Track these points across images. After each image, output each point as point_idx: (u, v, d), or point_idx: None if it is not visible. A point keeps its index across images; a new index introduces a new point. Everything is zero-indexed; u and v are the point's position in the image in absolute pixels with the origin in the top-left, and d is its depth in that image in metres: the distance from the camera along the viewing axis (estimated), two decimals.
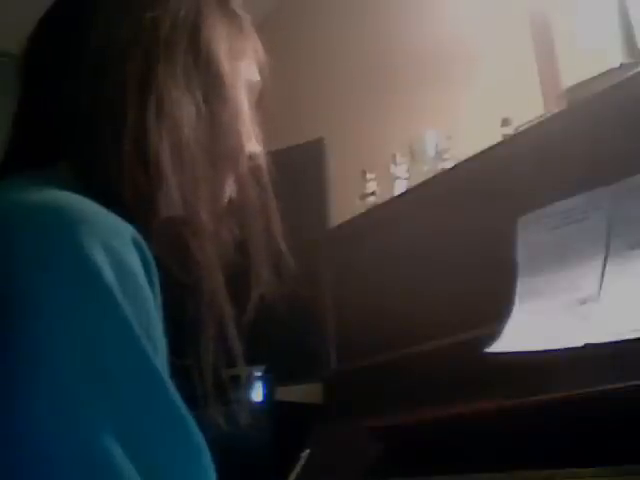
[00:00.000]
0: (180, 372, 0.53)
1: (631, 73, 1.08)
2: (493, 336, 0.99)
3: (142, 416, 0.41)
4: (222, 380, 0.61)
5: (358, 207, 1.65)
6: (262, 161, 0.70)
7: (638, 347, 0.79)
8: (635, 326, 0.82)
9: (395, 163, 1.63)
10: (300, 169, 2.24)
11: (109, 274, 0.43)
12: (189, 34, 0.62)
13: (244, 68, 0.68)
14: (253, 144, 0.68)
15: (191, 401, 0.49)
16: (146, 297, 0.46)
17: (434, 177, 1.39)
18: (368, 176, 1.69)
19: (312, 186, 2.27)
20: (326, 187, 2.30)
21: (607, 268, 0.92)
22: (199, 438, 0.44)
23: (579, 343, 0.86)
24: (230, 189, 0.67)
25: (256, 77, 0.70)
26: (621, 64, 1.18)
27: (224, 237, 0.63)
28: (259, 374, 1.67)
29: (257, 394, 1.69)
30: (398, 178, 1.61)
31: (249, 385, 1.65)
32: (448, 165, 1.44)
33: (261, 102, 0.71)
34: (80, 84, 0.58)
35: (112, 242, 0.44)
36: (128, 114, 0.56)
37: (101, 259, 0.43)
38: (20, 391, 0.39)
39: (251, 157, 0.68)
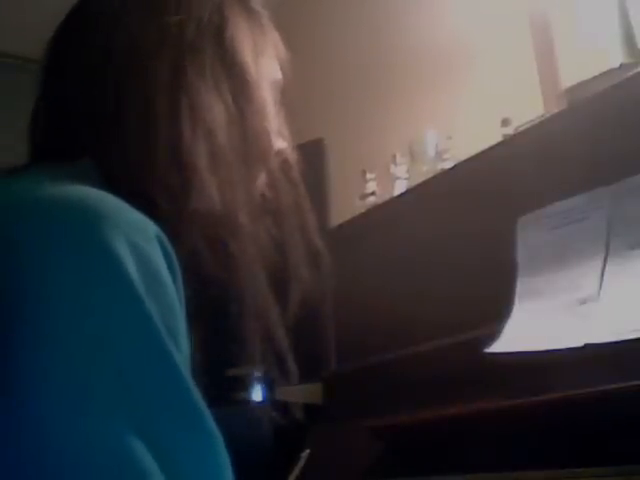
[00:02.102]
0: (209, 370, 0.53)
1: (631, 73, 1.08)
2: (493, 336, 0.99)
3: (160, 411, 0.41)
4: (230, 380, 0.61)
5: (358, 207, 1.65)
6: (291, 157, 0.70)
7: (638, 347, 0.79)
8: (635, 326, 0.82)
9: (395, 163, 1.63)
10: (300, 169, 2.24)
11: (132, 269, 0.43)
12: (214, 35, 0.62)
13: (267, 65, 0.68)
14: (280, 141, 0.69)
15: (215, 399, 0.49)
16: (169, 294, 0.45)
17: (434, 177, 1.39)
18: (368, 176, 1.69)
19: (312, 186, 2.27)
20: (326, 187, 2.30)
21: (607, 268, 0.92)
22: (217, 434, 0.44)
23: (579, 343, 0.86)
24: (261, 187, 0.67)
25: (278, 73, 0.70)
26: (621, 64, 1.18)
27: (262, 237, 0.63)
28: (259, 374, 1.67)
29: (257, 394, 1.69)
30: (398, 178, 1.61)
31: (249, 385, 1.65)
32: (448, 165, 1.44)
33: (283, 98, 0.71)
34: (107, 83, 0.58)
35: (136, 238, 0.44)
36: (161, 115, 0.56)
37: (124, 254, 0.43)
38: (37, 386, 0.38)
39: (279, 154, 0.68)
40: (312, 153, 2.31)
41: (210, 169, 0.57)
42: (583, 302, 0.92)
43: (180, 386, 0.43)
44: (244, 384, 1.61)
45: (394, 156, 1.64)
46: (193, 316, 0.52)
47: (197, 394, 0.43)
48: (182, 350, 0.45)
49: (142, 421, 0.40)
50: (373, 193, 1.67)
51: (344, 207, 1.88)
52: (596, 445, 0.80)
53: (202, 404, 0.43)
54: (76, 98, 0.59)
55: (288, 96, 0.71)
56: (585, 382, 0.83)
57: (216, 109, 0.60)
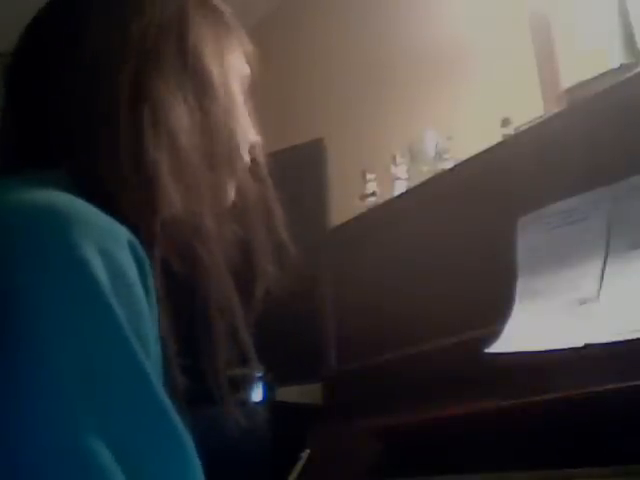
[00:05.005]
0: (191, 373, 0.53)
1: (631, 73, 1.08)
2: (493, 336, 0.99)
3: (129, 417, 0.41)
4: (224, 380, 0.62)
5: (358, 207, 1.65)
6: (259, 154, 0.70)
7: (638, 347, 0.79)
8: (635, 326, 0.82)
9: (395, 163, 1.63)
10: (300, 169, 2.24)
11: (102, 275, 0.43)
12: (176, 38, 0.62)
13: (233, 63, 0.68)
14: (251, 135, 0.69)
15: (198, 401, 0.49)
16: (139, 299, 0.45)
17: (434, 177, 1.39)
18: (368, 176, 1.69)
19: (312, 186, 2.27)
20: (326, 187, 2.30)
21: (607, 268, 0.92)
22: (185, 439, 0.44)
23: (579, 343, 0.86)
24: (232, 189, 0.67)
25: (246, 69, 0.70)
26: (621, 64, 1.18)
27: (228, 238, 0.63)
28: (259, 374, 1.67)
29: (257, 394, 1.69)
30: (398, 178, 1.61)
31: (249, 385, 1.65)
32: (448, 165, 1.44)
33: (254, 92, 0.71)
34: (72, 95, 0.58)
35: (106, 244, 0.44)
36: (123, 123, 0.56)
37: (94, 260, 0.43)
38: (5, 391, 0.39)
39: (250, 149, 0.68)
40: (312, 153, 2.31)
41: (173, 174, 0.57)
42: (583, 302, 0.92)
43: (147, 391, 0.43)
44: (244, 384, 1.61)
45: (394, 156, 1.64)
46: (170, 317, 0.52)
47: (166, 399, 0.43)
48: (151, 355, 0.46)
49: (107, 424, 0.40)
50: (373, 193, 1.67)
51: (344, 207, 1.88)
52: (596, 445, 0.80)
53: (170, 409, 0.43)
54: (44, 108, 0.59)
55: (257, 90, 0.71)
56: (585, 382, 0.83)
57: (178, 111, 0.60)
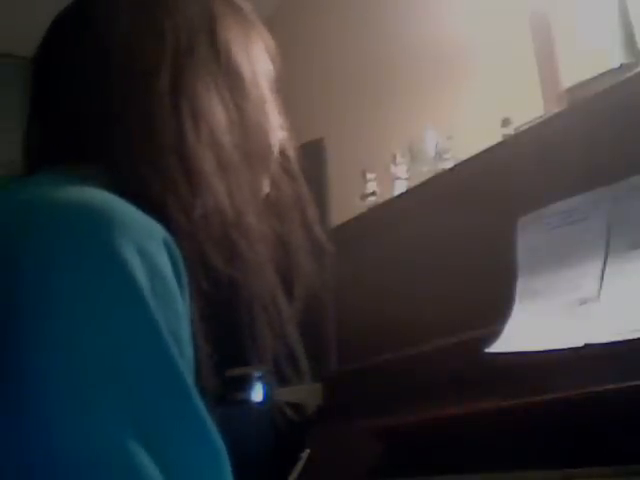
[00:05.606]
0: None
1: (631, 73, 1.08)
2: (493, 336, 0.99)
3: (163, 418, 0.41)
4: (225, 380, 0.62)
5: (358, 207, 1.65)
6: (290, 150, 0.71)
7: (638, 347, 0.79)
8: (635, 326, 0.82)
9: (395, 163, 1.63)
10: (300, 169, 2.23)
11: (141, 276, 0.43)
12: (206, 36, 0.63)
13: (259, 58, 0.68)
14: (280, 132, 0.69)
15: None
16: (175, 300, 0.46)
17: (434, 177, 1.39)
18: (368, 176, 1.69)
19: (312, 186, 2.27)
20: (326, 187, 2.30)
21: (607, 268, 0.92)
22: (219, 441, 0.44)
23: (579, 343, 0.86)
24: (266, 185, 0.68)
25: (270, 65, 0.71)
26: (621, 64, 1.18)
27: (269, 235, 0.63)
28: (259, 374, 1.67)
29: (257, 394, 1.69)
30: (398, 178, 1.61)
31: (249, 385, 1.65)
32: (448, 165, 1.44)
33: (278, 88, 0.71)
34: (109, 96, 0.58)
35: (145, 244, 0.44)
36: (165, 125, 0.57)
37: (133, 260, 0.43)
38: (40, 389, 0.39)
39: (278, 148, 0.69)
40: (312, 153, 2.31)
41: (217, 172, 0.58)
42: (583, 302, 0.92)
43: (183, 394, 0.43)
44: (244, 384, 1.61)
45: (394, 156, 1.64)
46: (203, 317, 0.52)
47: (200, 402, 0.43)
48: (185, 356, 0.46)
49: (143, 425, 0.40)
50: (373, 193, 1.66)
51: (344, 207, 1.88)
52: (596, 445, 0.80)
53: (205, 412, 0.43)
54: (75, 106, 0.59)
55: (282, 86, 0.72)
56: (585, 382, 0.83)
57: (216, 110, 0.60)
